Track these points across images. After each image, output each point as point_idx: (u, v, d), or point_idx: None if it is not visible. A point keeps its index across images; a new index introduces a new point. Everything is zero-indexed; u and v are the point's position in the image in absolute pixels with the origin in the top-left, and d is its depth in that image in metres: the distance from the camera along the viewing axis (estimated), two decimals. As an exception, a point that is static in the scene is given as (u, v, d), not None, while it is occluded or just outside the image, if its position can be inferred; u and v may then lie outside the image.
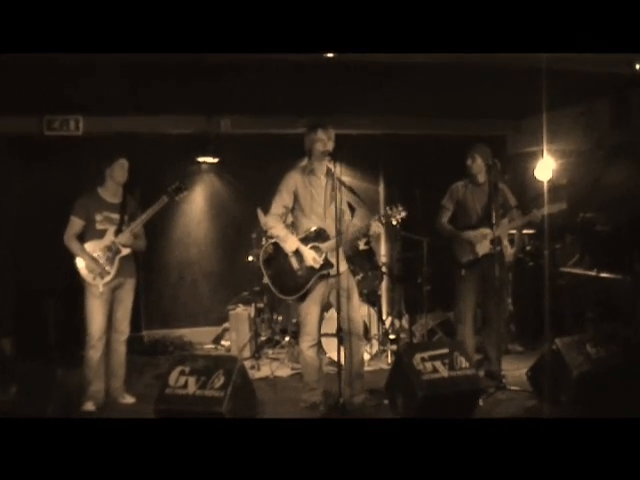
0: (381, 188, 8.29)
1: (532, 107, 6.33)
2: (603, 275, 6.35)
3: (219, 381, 4.29)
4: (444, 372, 4.60)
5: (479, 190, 5.60)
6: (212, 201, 7.82)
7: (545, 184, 6.69)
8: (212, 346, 7.38)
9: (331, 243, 4.72)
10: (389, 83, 5.95)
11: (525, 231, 7.13)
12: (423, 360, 4.62)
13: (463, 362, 4.69)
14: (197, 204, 7.76)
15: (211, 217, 7.84)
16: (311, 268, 4.72)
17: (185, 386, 4.32)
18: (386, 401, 4.92)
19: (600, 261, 6.47)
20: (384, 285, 7.67)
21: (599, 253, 6.59)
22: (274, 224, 4.81)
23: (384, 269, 7.19)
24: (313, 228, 4.80)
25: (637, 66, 4.84)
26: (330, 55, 4.55)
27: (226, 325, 7.24)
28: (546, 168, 6.88)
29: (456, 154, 7.13)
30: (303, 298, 4.78)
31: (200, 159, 7.51)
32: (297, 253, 4.75)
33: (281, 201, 4.84)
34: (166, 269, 7.67)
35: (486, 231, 5.42)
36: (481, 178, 5.57)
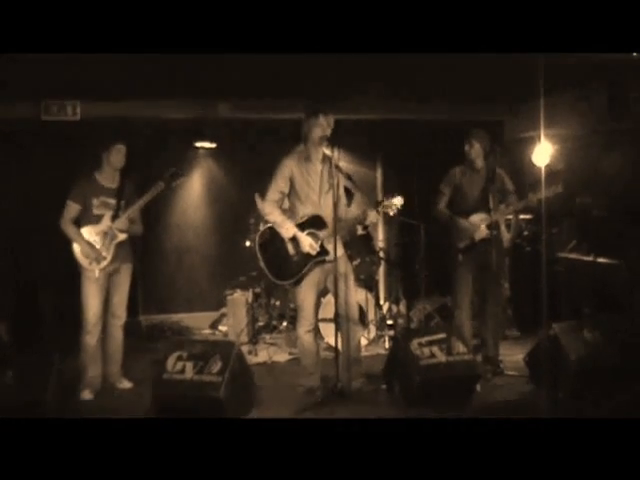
0: (379, 173, 8.29)
1: (530, 92, 6.30)
2: (600, 260, 6.36)
3: (216, 366, 4.30)
4: (442, 357, 4.61)
5: (476, 175, 5.58)
6: (210, 186, 7.81)
7: (542, 169, 6.67)
8: (209, 331, 7.39)
9: (328, 230, 4.70)
10: (387, 68, 5.91)
11: (522, 216, 7.13)
12: (421, 345, 4.64)
13: (461, 347, 4.70)
14: (195, 189, 7.75)
15: (209, 202, 7.84)
16: (307, 254, 4.72)
17: (183, 371, 4.33)
18: (384, 386, 4.94)
19: (597, 246, 6.47)
20: (381, 270, 7.67)
21: (596, 238, 6.59)
22: (271, 210, 4.80)
23: (382, 254, 7.18)
24: (309, 214, 4.79)
25: (634, 53, 4.80)
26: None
27: (223, 310, 7.25)
28: (543, 153, 6.85)
29: (454, 139, 7.12)
30: (298, 283, 4.77)
31: (198, 144, 7.49)
32: (294, 239, 4.74)
33: (277, 187, 4.82)
34: (164, 254, 7.67)
35: (483, 216, 5.42)
36: (479, 163, 5.55)
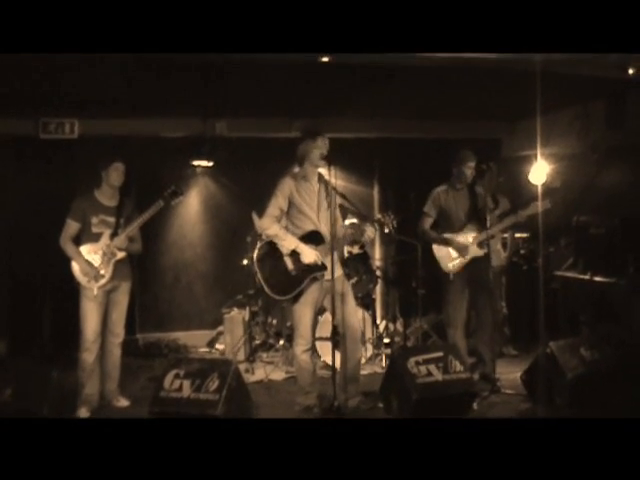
0: (375, 192, 8.31)
1: (527, 110, 6.37)
2: (597, 279, 6.37)
3: (214, 384, 4.29)
4: (438, 375, 4.62)
5: (460, 194, 5.65)
6: (207, 204, 7.84)
7: (539, 187, 6.72)
8: (206, 349, 7.37)
9: (325, 246, 4.72)
10: (383, 86, 5.97)
11: (518, 235, 7.16)
12: (417, 364, 4.64)
13: (457, 365, 4.71)
14: (192, 207, 7.78)
15: (206, 220, 7.86)
16: (305, 269, 4.72)
17: (180, 389, 4.32)
18: (381, 404, 4.93)
19: (594, 264, 6.49)
20: (378, 289, 7.67)
21: (593, 256, 6.60)
22: (270, 225, 4.80)
23: (378, 273, 7.19)
24: (308, 230, 4.81)
25: (630, 70, 4.86)
26: (325, 59, 4.56)
27: (220, 328, 7.25)
28: (540, 171, 6.90)
29: (450, 157, 7.18)
30: (296, 299, 4.78)
31: (195, 162, 7.51)
32: (293, 254, 4.75)
33: (277, 204, 4.83)
34: (161, 272, 7.68)
35: (473, 234, 5.48)
36: (464, 183, 5.62)
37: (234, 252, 7.23)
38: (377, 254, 8.13)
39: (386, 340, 6.79)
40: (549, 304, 6.56)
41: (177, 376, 4.39)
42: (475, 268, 5.46)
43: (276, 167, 7.49)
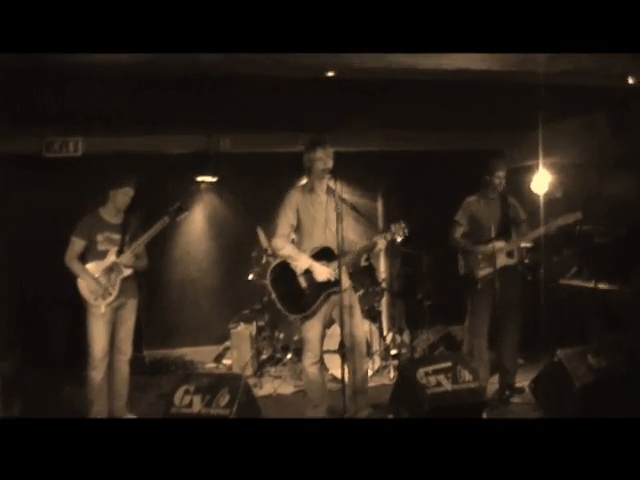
0: (379, 204, 8.33)
1: (530, 121, 6.39)
2: (602, 287, 6.38)
3: (224, 399, 4.30)
4: (448, 386, 4.61)
5: (492, 204, 5.65)
6: (212, 220, 7.87)
7: (541, 197, 6.74)
8: (213, 365, 7.36)
9: (337, 261, 4.72)
10: (386, 100, 6.00)
11: (523, 244, 7.16)
12: (427, 374, 4.64)
13: (466, 375, 4.70)
14: (197, 223, 7.80)
15: (211, 236, 7.88)
16: (319, 286, 4.71)
17: (190, 405, 4.32)
18: (390, 415, 4.93)
19: (598, 273, 6.50)
20: (384, 301, 7.68)
21: (597, 265, 6.62)
22: (283, 245, 4.81)
23: (384, 285, 7.20)
24: (319, 246, 4.80)
25: (630, 80, 4.90)
26: (330, 74, 4.58)
27: (227, 344, 7.24)
28: (544, 182, 6.93)
29: (455, 169, 7.22)
30: (312, 316, 4.77)
31: (200, 178, 7.54)
32: (306, 272, 4.74)
33: (287, 221, 4.84)
34: (166, 288, 7.69)
35: (501, 244, 5.48)
36: (494, 192, 5.63)
37: (239, 267, 7.26)
38: (382, 266, 8.13)
39: (393, 352, 6.79)
40: (554, 313, 6.56)
41: (187, 392, 4.39)
42: (503, 278, 5.45)
43: (280, 182, 7.56)
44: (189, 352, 7.52)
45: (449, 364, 4.75)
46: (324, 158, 4.76)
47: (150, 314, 7.30)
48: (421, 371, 4.66)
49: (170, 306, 7.69)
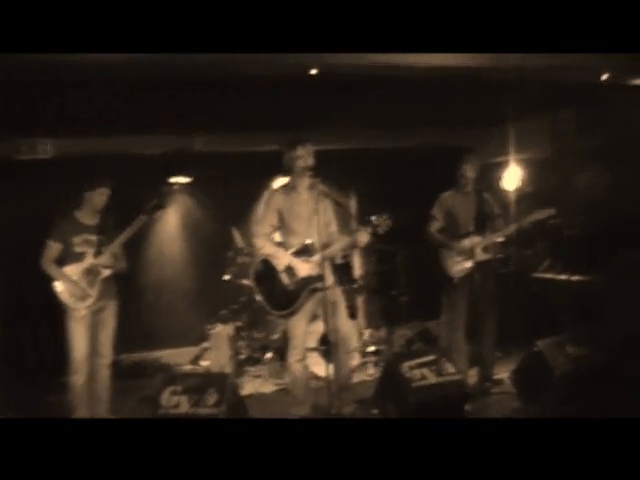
0: (353, 202, 8.34)
1: (500, 117, 6.49)
2: (574, 279, 6.50)
3: (212, 399, 4.28)
4: (432, 378, 4.67)
5: (467, 199, 5.71)
6: (186, 221, 7.81)
7: (512, 193, 6.85)
8: (191, 367, 7.29)
9: (319, 257, 4.74)
10: (357, 98, 6.03)
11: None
12: (411, 368, 4.69)
13: (450, 367, 4.77)
14: (171, 224, 7.75)
15: (185, 237, 7.83)
16: (302, 283, 4.73)
17: (178, 405, 4.30)
18: (376, 410, 4.96)
19: (570, 265, 6.62)
20: (360, 297, 7.72)
21: (569, 257, 6.74)
22: (263, 244, 4.83)
23: (360, 282, 7.23)
24: (301, 243, 4.81)
25: (604, 76, 4.99)
26: (313, 72, 4.57)
27: (205, 345, 7.20)
28: (515, 177, 7.04)
29: (428, 165, 7.28)
30: (296, 312, 4.78)
31: (173, 179, 7.48)
32: (288, 269, 4.76)
33: (267, 221, 4.86)
34: (141, 291, 7.60)
35: (477, 239, 5.53)
36: (470, 187, 5.68)
37: (215, 268, 7.21)
38: (357, 264, 8.16)
39: (371, 348, 6.82)
40: (528, 306, 6.67)
41: (174, 393, 4.36)
42: (480, 273, 5.52)
43: (255, 182, 7.57)
44: (165, 355, 7.46)
45: (433, 357, 4.80)
46: (305, 156, 4.78)
47: (125, 317, 7.22)
48: (405, 365, 4.71)
49: (145, 308, 7.60)
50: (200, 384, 4.41)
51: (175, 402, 4.32)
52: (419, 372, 4.68)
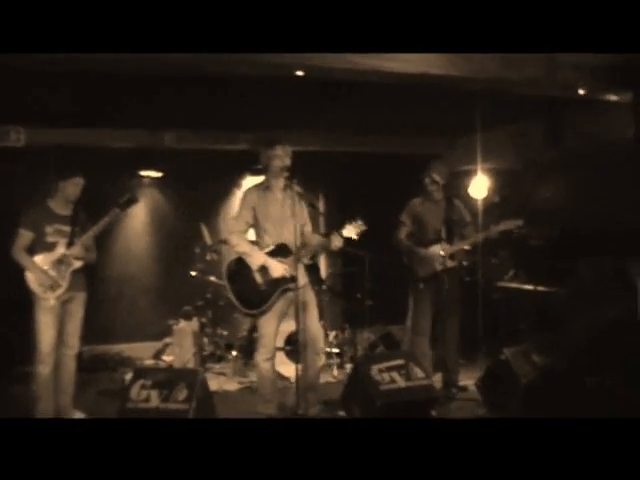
0: (321, 204, 8.38)
1: (467, 126, 6.58)
2: (538, 288, 6.63)
3: (182, 394, 4.28)
4: (401, 382, 4.73)
5: (435, 206, 5.78)
6: (154, 215, 7.77)
7: (480, 201, 6.95)
8: (153, 361, 7.25)
9: (292, 258, 4.76)
10: (325, 102, 6.07)
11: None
12: (380, 371, 4.75)
13: (418, 372, 4.84)
14: (139, 218, 7.69)
15: (153, 231, 7.78)
16: (274, 282, 4.74)
17: (148, 400, 4.29)
18: (342, 412, 5.00)
19: (535, 275, 6.75)
20: (326, 299, 7.75)
21: (533, 267, 6.88)
22: (238, 241, 4.82)
23: (327, 283, 7.27)
24: (275, 243, 4.83)
25: (580, 91, 5.11)
26: (299, 73, 4.57)
27: (167, 340, 7.16)
28: (482, 186, 7.14)
29: (394, 172, 7.36)
30: (265, 312, 4.80)
31: (143, 173, 7.43)
32: (262, 268, 4.76)
33: (242, 218, 4.87)
34: (105, 284, 7.51)
35: (444, 246, 5.61)
36: (437, 195, 5.75)
37: (181, 263, 7.20)
38: (323, 266, 8.20)
39: (335, 350, 6.87)
40: (492, 314, 6.78)
41: (144, 387, 4.35)
42: (446, 279, 5.60)
43: (224, 179, 7.56)
44: (127, 348, 7.39)
45: (402, 361, 4.87)
46: (282, 156, 4.80)
47: (88, 309, 7.14)
48: (375, 368, 4.77)
49: (109, 302, 7.51)
50: (170, 379, 4.41)
51: (145, 396, 4.31)
52: (388, 375, 4.74)
